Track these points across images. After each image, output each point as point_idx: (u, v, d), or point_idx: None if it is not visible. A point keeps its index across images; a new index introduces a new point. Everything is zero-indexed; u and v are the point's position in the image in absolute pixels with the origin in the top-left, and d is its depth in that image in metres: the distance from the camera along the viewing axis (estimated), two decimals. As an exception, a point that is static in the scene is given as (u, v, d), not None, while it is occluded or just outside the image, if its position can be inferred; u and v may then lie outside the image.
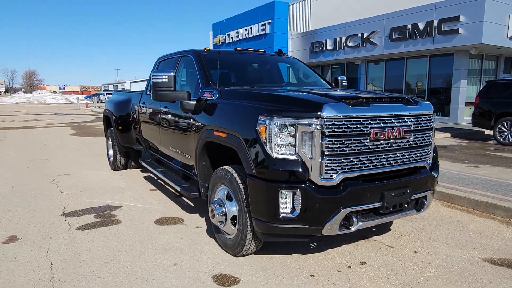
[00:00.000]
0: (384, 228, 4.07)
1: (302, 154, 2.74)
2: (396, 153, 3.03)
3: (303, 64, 5.16)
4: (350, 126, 2.78)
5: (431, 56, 17.22)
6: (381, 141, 2.92)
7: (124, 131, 6.42)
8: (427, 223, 4.26)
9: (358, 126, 2.81)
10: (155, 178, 6.40)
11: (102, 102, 50.66)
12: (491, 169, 6.83)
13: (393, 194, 2.92)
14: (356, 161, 2.83)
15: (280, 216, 2.77)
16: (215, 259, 3.33)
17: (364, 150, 2.86)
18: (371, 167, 2.91)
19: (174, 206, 4.87)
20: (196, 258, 3.35)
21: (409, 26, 16.25)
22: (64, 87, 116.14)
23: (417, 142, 3.17)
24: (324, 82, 4.92)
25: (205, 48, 4.56)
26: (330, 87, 4.67)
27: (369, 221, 2.94)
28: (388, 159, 2.99)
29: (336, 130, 2.73)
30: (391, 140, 2.97)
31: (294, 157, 2.75)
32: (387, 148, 2.97)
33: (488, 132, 12.11)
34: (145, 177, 6.48)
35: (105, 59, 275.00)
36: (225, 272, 3.09)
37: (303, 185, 2.72)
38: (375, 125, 2.87)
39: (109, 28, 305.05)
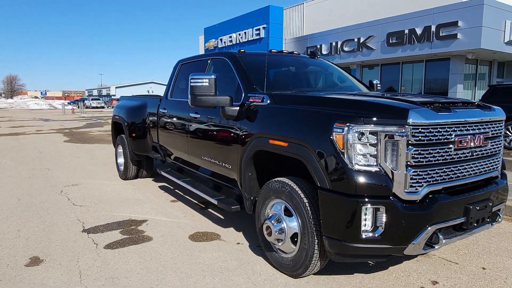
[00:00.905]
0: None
1: (384, 165, 2.46)
2: (475, 163, 2.79)
3: (337, 67, 4.91)
4: (436, 133, 2.52)
5: (427, 61, 17.30)
6: (464, 150, 2.68)
7: (138, 138, 6.04)
8: (478, 235, 4.04)
9: (444, 133, 2.55)
10: (172, 188, 6.03)
11: (87, 108, 49.69)
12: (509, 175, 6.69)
13: (477, 208, 2.68)
14: (441, 172, 2.57)
15: (361, 236, 2.48)
16: (273, 282, 3.01)
17: (449, 160, 2.61)
18: (454, 178, 2.66)
19: (203, 220, 4.52)
20: (252, 280, 3.03)
21: (406, 31, 16.27)
22: (45, 92, 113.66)
23: (492, 150, 2.94)
24: (362, 85, 4.67)
25: (239, 50, 4.26)
26: (379, 92, 4.42)
27: (452, 238, 2.68)
28: (469, 169, 2.75)
29: (422, 138, 2.47)
30: (473, 148, 2.73)
31: (375, 169, 2.47)
32: (469, 157, 2.73)
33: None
34: (161, 187, 6.11)
35: (88, 63, 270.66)
36: (289, 296, 2.78)
37: (387, 200, 2.45)
38: (459, 132, 2.63)
39: (92, 32, 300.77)
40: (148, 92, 65.46)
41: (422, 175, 2.49)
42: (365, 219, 2.47)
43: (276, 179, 3.10)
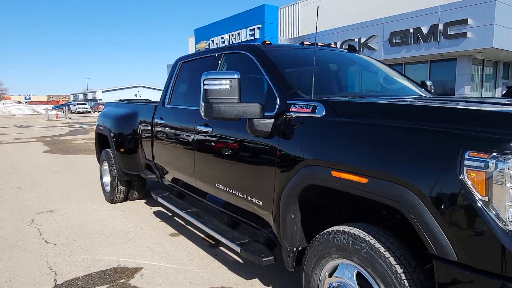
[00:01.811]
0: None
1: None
2: None
3: (383, 63, 3.89)
4: None
5: (431, 62, 16.50)
6: None
7: (127, 153, 4.93)
8: None
9: None
10: (170, 214, 4.94)
11: (72, 113, 47.93)
12: None
13: None
14: None
15: None
16: None
17: None
18: None
19: (216, 265, 3.44)
20: None
21: (411, 30, 15.44)
22: (29, 97, 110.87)
23: None
24: (416, 87, 3.64)
25: (264, 42, 3.20)
26: (445, 96, 3.39)
27: None
28: None
29: None
30: None
31: (546, 232, 1.44)
32: None
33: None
34: (156, 214, 5.00)
35: (74, 67, 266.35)
36: None
37: None
38: None
39: (78, 35, 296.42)
40: (136, 96, 63.99)
41: None
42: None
43: (340, 228, 2.05)
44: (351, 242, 1.95)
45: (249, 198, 2.78)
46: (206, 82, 2.47)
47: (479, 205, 1.48)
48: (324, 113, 2.24)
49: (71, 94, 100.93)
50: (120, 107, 5.52)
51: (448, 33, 14.25)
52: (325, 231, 2.15)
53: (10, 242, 4.00)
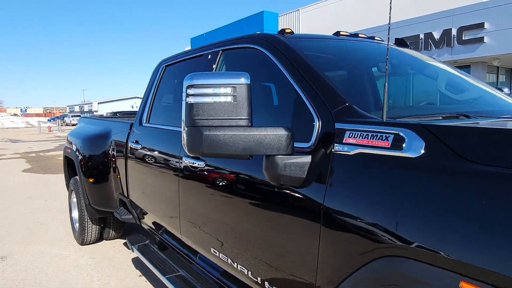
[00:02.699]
0: None
1: None
2: None
3: (445, 63, 2.83)
4: None
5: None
6: None
7: (97, 183, 3.83)
8: None
9: None
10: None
11: (67, 125, 46.77)
12: None
13: None
14: None
15: None
16: None
17: None
18: None
19: None
20: None
21: (421, 35, 14.46)
22: (26, 109, 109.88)
23: None
24: (506, 98, 2.54)
25: (284, 30, 2.10)
26: None
27: None
28: None
29: None
30: None
31: None
32: None
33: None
34: (135, 261, 3.87)
35: (71, 79, 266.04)
36: None
37: None
38: None
39: (75, 47, 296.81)
40: (132, 108, 63.00)
41: None
42: None
43: None
44: None
45: (267, 285, 1.66)
46: (191, 91, 1.38)
47: None
48: (423, 151, 1.13)
49: (68, 106, 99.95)
50: (93, 124, 4.42)
51: (463, 38, 13.27)
52: None
53: None
